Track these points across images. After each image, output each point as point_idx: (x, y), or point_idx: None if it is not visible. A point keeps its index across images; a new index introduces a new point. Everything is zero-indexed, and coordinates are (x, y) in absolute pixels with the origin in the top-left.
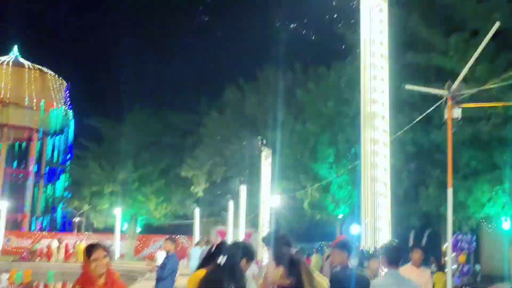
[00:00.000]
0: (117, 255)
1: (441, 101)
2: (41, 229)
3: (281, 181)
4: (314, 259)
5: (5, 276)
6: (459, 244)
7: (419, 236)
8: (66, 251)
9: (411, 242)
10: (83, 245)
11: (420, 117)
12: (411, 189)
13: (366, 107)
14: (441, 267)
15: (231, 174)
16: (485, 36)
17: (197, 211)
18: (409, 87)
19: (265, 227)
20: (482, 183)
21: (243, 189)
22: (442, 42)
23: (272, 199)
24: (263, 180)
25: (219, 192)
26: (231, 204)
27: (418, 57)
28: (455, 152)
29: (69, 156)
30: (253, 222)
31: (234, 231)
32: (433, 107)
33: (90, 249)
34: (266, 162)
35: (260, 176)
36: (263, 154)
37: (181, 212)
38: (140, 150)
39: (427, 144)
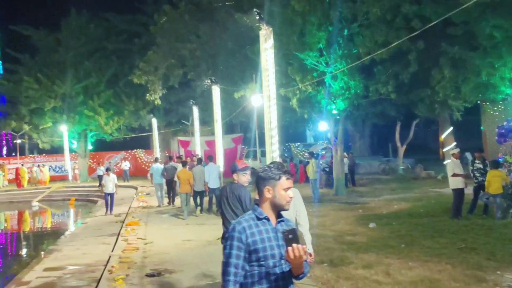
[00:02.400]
0: (69, 177)
1: None
2: None
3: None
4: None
5: None
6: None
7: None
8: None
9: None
10: (24, 169)
11: None
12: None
13: None
14: (493, 164)
15: (193, 77)
16: None
17: (154, 122)
18: None
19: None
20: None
21: (215, 90)
22: None
23: (254, 99)
24: (265, 73)
25: (179, 98)
26: (195, 110)
27: None
28: (473, 23)
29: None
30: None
31: (200, 141)
32: None
33: None
34: (267, 45)
35: (233, 76)
36: (262, 34)
37: (136, 124)
38: (82, 59)
39: (435, 16)
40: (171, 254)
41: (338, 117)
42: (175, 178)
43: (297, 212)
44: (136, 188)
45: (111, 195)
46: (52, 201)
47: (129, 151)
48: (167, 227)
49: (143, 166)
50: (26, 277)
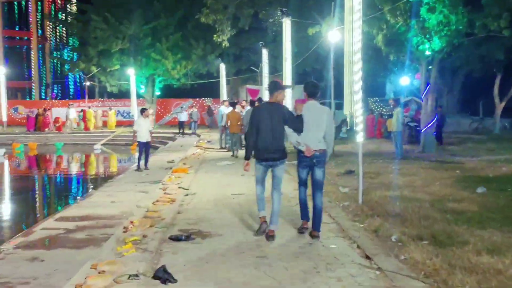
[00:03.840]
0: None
1: None
2: (54, 98)
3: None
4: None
5: (1, 151)
6: None
7: None
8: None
9: None
10: (91, 112)
11: None
12: None
13: None
14: None
15: (264, 16)
16: None
17: (222, 67)
18: None
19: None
20: None
21: (286, 23)
22: None
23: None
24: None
25: (250, 43)
26: (264, 53)
27: None
28: None
29: (75, 10)
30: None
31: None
32: None
33: None
34: None
35: (309, 10)
36: None
37: (204, 70)
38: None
39: None
40: (212, 211)
41: (431, 59)
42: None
43: None
44: (199, 135)
45: (147, 145)
46: (116, 146)
47: (197, 99)
48: (218, 177)
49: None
50: (37, 227)
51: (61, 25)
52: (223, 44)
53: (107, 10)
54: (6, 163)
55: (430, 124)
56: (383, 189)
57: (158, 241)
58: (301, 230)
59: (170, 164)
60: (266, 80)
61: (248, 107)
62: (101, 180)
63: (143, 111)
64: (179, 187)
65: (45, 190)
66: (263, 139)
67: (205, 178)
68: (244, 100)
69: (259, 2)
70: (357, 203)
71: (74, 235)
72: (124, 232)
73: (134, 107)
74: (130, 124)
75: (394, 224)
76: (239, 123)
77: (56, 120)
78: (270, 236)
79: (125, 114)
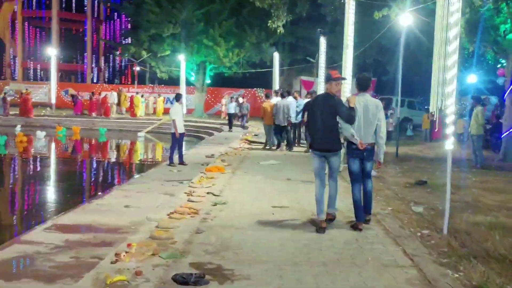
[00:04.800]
0: (184, 110)
1: None
2: (105, 82)
3: None
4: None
5: (41, 134)
6: None
7: None
8: (131, 103)
9: None
10: (138, 98)
11: None
12: None
13: None
14: None
15: (323, 1)
16: None
17: (276, 56)
18: None
19: None
20: None
21: (350, 4)
22: None
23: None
24: None
25: (306, 33)
26: (322, 41)
27: None
28: None
29: None
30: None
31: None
32: None
33: None
34: None
35: None
36: None
37: (257, 59)
38: None
39: None
40: (243, 232)
41: None
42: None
43: None
44: (246, 128)
45: (181, 136)
46: (161, 134)
47: (248, 89)
48: (258, 181)
49: None
50: (14, 242)
51: (114, 8)
52: (278, 31)
53: None
54: (43, 146)
55: None
56: (470, 210)
57: (153, 285)
58: (356, 227)
59: (209, 159)
60: (322, 72)
61: (301, 99)
62: (129, 173)
63: (179, 97)
64: (208, 192)
65: (62, 181)
66: (316, 130)
67: (243, 182)
68: (296, 91)
69: None
70: (440, 232)
71: (56, 256)
72: (114, 262)
73: (183, 94)
74: None
75: (504, 276)
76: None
77: (104, 103)
78: (328, 220)
79: (174, 102)
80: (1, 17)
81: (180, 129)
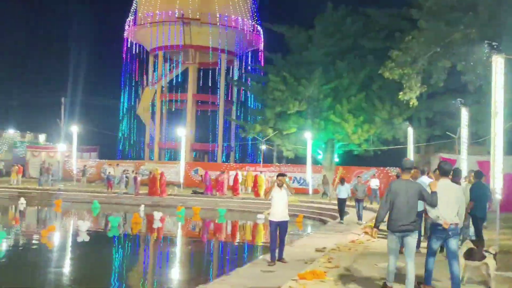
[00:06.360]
0: (310, 190)
1: None
2: (235, 161)
3: None
4: None
5: (158, 214)
6: None
7: None
8: (255, 183)
9: None
10: (262, 177)
11: None
12: None
13: None
14: None
15: (463, 69)
16: None
17: (410, 132)
18: None
19: None
20: None
21: (497, 61)
22: None
23: None
24: None
25: (444, 106)
26: (464, 113)
27: None
28: None
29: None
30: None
31: (470, 160)
32: None
33: None
34: None
35: None
36: None
37: (389, 135)
38: (333, 58)
39: None
40: None
41: None
42: None
43: None
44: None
45: (282, 225)
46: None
47: (381, 168)
48: None
49: None
50: None
51: (243, 88)
52: (411, 103)
53: (287, 70)
54: (155, 227)
55: None
56: None
57: None
58: None
59: (318, 254)
60: (464, 148)
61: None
62: (214, 269)
63: (280, 176)
64: None
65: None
66: (398, 211)
67: None
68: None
69: (458, 51)
70: None
71: None
72: None
73: (308, 173)
74: (305, 192)
75: None
76: None
77: (234, 184)
78: None
79: (301, 181)
80: (142, 101)
81: (274, 216)
